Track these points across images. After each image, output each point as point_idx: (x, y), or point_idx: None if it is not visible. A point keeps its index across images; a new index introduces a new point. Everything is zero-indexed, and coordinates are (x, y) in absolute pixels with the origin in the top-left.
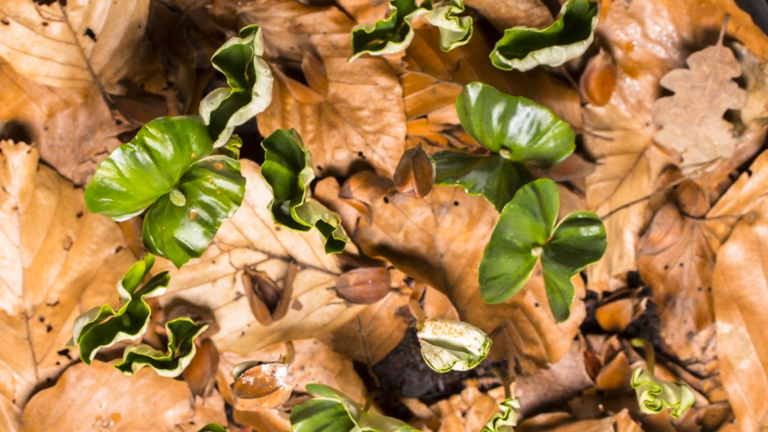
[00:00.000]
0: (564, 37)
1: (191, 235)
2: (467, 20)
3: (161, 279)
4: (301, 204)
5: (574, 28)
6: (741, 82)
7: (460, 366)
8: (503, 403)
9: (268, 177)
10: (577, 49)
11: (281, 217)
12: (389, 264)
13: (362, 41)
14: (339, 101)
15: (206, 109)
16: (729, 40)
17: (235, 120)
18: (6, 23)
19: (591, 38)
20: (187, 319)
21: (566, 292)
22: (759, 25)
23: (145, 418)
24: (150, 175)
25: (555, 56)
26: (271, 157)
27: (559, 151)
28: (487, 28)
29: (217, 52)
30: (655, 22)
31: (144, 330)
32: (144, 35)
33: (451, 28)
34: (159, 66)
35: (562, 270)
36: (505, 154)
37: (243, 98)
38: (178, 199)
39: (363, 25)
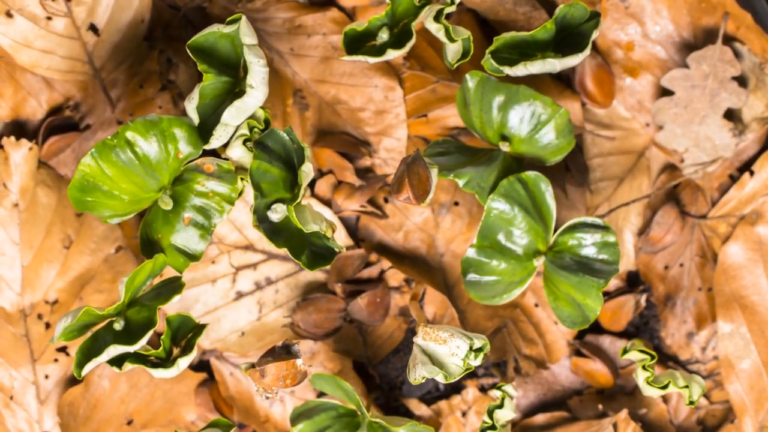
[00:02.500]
0: (560, 43)
1: (188, 240)
2: (466, 35)
3: (175, 285)
4: (299, 201)
5: (572, 35)
6: (741, 80)
7: (440, 378)
8: (498, 387)
9: (255, 177)
10: (572, 61)
11: (264, 222)
12: (387, 265)
13: (354, 41)
14: (340, 102)
15: (190, 107)
16: (729, 40)
17: (231, 116)
18: (10, 16)
19: (588, 50)
20: (189, 315)
21: (590, 306)
22: (759, 25)
23: (164, 414)
24: (133, 173)
25: (548, 68)
26: (260, 156)
27: (561, 145)
28: (487, 28)
29: (192, 39)
30: (655, 22)
31: (143, 342)
32: (146, 30)
33: (438, 35)
34: (156, 68)
35: (588, 283)
36: (504, 147)
37: (238, 93)
38: (165, 203)
39: (354, 24)
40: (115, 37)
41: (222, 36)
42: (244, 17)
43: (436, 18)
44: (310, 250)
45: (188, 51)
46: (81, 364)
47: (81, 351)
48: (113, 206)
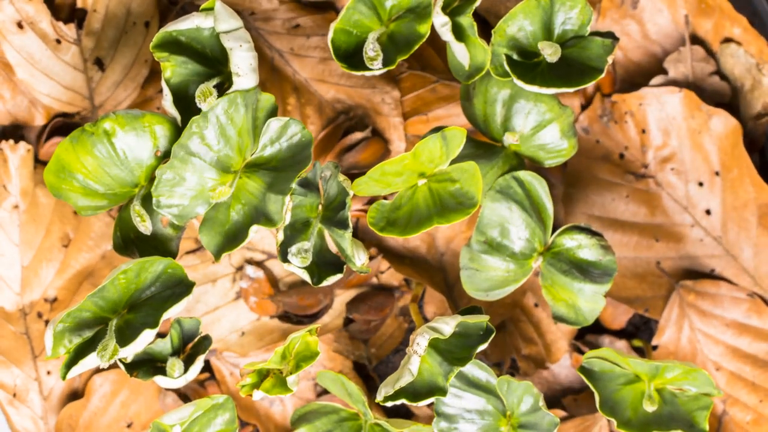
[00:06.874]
0: (562, 47)
1: (164, 240)
2: (483, 47)
3: (185, 286)
4: (350, 228)
5: (574, 41)
6: (721, 75)
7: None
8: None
9: (293, 208)
10: (585, 85)
11: (284, 247)
12: (386, 266)
13: (350, 53)
14: (339, 102)
15: (166, 104)
16: (726, 42)
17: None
18: (21, 27)
19: (603, 74)
20: (199, 319)
21: (590, 310)
22: (759, 26)
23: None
24: (109, 165)
25: (562, 91)
26: (298, 191)
27: (562, 147)
28: (488, 28)
29: (164, 32)
30: (654, 23)
31: (139, 345)
32: (148, 72)
33: (442, 31)
34: (159, 67)
35: (590, 289)
36: (508, 139)
37: (226, 85)
38: (137, 213)
39: (338, 23)
40: (118, 75)
41: (198, 29)
42: (218, 2)
43: (457, 13)
44: (315, 262)
45: (152, 45)
46: (69, 364)
47: (74, 350)
48: (87, 195)
